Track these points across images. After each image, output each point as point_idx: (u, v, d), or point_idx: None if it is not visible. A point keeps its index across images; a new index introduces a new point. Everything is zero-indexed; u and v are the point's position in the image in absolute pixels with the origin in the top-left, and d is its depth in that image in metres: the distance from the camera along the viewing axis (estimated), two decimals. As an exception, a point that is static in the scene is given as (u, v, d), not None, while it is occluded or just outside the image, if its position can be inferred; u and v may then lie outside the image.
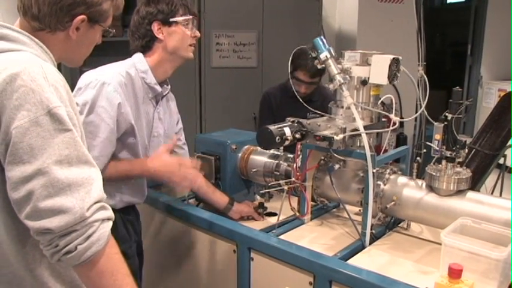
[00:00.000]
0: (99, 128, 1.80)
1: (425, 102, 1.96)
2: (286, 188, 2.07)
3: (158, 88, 2.00)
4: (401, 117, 1.94)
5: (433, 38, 7.76)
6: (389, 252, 1.85)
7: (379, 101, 1.99)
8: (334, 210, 2.29)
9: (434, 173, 1.79)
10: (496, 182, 3.62)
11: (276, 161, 2.24)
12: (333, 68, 1.88)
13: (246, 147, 2.37)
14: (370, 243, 1.90)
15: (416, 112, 2.14)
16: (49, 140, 1.14)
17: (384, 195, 1.89)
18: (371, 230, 1.89)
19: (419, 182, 1.88)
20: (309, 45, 1.92)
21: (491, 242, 1.58)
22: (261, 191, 2.28)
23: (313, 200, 2.12)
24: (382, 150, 2.03)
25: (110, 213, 1.24)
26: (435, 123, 1.80)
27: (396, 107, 1.92)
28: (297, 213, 2.12)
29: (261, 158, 2.30)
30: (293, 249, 1.80)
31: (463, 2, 7.92)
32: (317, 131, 1.91)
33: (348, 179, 2.00)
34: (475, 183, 3.49)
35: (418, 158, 1.98)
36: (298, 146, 2.03)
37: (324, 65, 1.90)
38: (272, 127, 1.89)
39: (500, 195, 3.45)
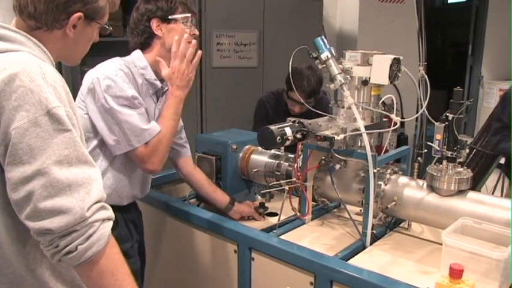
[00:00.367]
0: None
1: (426, 102, 1.95)
2: (287, 188, 2.07)
3: (158, 83, 2.00)
4: (402, 117, 1.94)
5: (433, 38, 7.76)
6: (390, 252, 1.85)
7: (380, 101, 1.99)
8: (335, 210, 2.29)
9: (435, 173, 1.79)
10: (497, 183, 3.63)
11: (277, 161, 2.24)
12: (334, 68, 1.88)
13: (247, 147, 2.37)
14: (371, 243, 1.90)
15: (417, 112, 2.14)
16: (48, 140, 1.13)
17: (385, 195, 1.89)
18: (372, 230, 1.89)
19: (420, 182, 1.88)
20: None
21: (492, 242, 1.58)
22: (262, 191, 2.28)
23: (314, 200, 2.12)
24: (383, 150, 2.02)
25: (110, 213, 1.23)
26: (436, 123, 1.80)
27: (397, 107, 1.92)
28: (298, 213, 2.12)
29: (261, 158, 2.30)
30: (294, 249, 1.80)
31: (464, 2, 7.91)
32: (318, 131, 1.91)
33: (348, 179, 2.00)
34: (475, 184, 3.50)
35: (419, 158, 1.98)
36: (299, 146, 2.03)
37: (324, 66, 1.90)
38: (273, 127, 1.89)
39: (502, 195, 3.45)
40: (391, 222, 2.03)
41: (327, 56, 1.88)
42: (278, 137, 1.87)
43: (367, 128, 1.86)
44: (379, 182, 1.90)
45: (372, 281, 1.56)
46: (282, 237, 1.96)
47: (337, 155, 1.90)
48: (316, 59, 1.91)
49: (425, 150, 2.08)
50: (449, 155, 1.78)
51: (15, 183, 1.13)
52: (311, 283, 1.72)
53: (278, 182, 2.19)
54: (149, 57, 1.97)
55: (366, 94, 1.96)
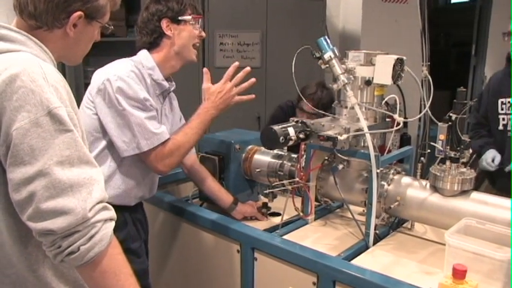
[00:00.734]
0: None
1: (429, 103, 1.95)
2: (290, 188, 2.07)
3: (166, 84, 2.01)
4: (405, 118, 1.93)
5: (437, 38, 7.74)
6: (393, 252, 1.85)
7: (383, 101, 1.99)
8: (338, 210, 2.28)
9: (438, 174, 1.78)
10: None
11: (280, 161, 2.24)
12: (337, 68, 1.88)
13: (250, 147, 2.37)
14: (374, 243, 1.90)
15: (420, 112, 2.13)
16: (50, 141, 1.13)
17: (388, 196, 1.89)
18: (375, 230, 1.89)
19: (423, 182, 1.87)
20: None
21: (496, 242, 1.58)
22: (265, 191, 2.28)
23: (316, 200, 2.12)
24: (386, 151, 2.02)
25: (112, 213, 1.23)
26: (439, 124, 1.80)
27: (400, 107, 1.92)
28: (301, 213, 2.12)
29: (264, 158, 2.30)
30: (297, 250, 1.80)
31: (468, 2, 7.89)
32: (321, 131, 1.91)
33: (351, 179, 2.00)
34: (479, 184, 3.49)
35: (422, 158, 1.98)
36: (302, 146, 2.03)
37: (327, 66, 1.90)
38: (276, 127, 1.89)
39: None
40: (394, 223, 2.03)
41: (330, 56, 1.88)
42: (281, 137, 1.87)
43: (370, 128, 1.86)
44: (382, 182, 1.90)
45: (374, 281, 1.56)
46: (284, 237, 1.96)
47: (340, 155, 1.90)
48: (319, 59, 1.91)
49: (429, 151, 2.08)
50: (452, 155, 1.77)
51: (17, 184, 1.13)
52: (314, 283, 1.72)
53: (281, 182, 2.19)
54: (157, 57, 1.98)
55: (369, 94, 1.95)
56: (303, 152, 2.04)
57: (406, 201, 1.85)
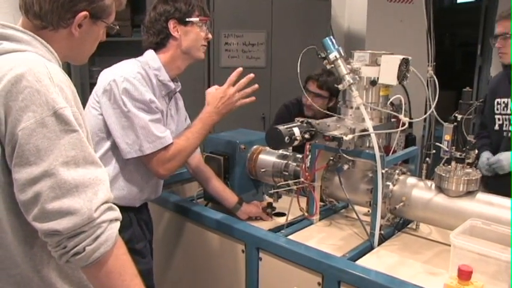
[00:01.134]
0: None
1: (434, 103, 1.95)
2: (295, 188, 2.07)
3: (172, 85, 2.01)
4: (410, 118, 1.93)
5: (442, 38, 7.71)
6: (398, 253, 1.85)
7: (389, 102, 1.98)
8: (343, 210, 2.28)
9: (443, 174, 1.78)
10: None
11: (285, 161, 2.24)
12: (342, 68, 1.88)
13: (255, 147, 2.37)
14: (379, 244, 1.90)
15: (425, 113, 2.13)
16: (55, 141, 1.13)
17: (393, 196, 1.89)
18: (380, 230, 1.89)
19: (429, 182, 1.87)
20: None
21: (501, 243, 1.57)
22: (270, 191, 2.28)
23: (321, 200, 2.12)
24: (391, 151, 2.02)
25: (117, 213, 1.23)
26: (445, 124, 1.79)
27: (405, 108, 1.91)
28: (306, 214, 2.12)
29: (269, 158, 2.30)
30: (301, 250, 1.80)
31: (473, 2, 7.87)
32: (326, 131, 1.91)
33: (356, 180, 2.00)
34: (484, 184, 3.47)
35: (427, 159, 1.97)
36: (307, 146, 2.03)
37: (333, 66, 1.89)
38: (281, 127, 1.89)
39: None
40: (399, 223, 2.03)
41: (336, 56, 1.88)
42: (286, 137, 1.87)
43: (375, 128, 1.86)
44: (387, 183, 1.89)
45: (379, 282, 1.56)
46: (289, 237, 1.96)
47: (345, 156, 1.89)
48: (325, 59, 1.91)
49: (434, 151, 2.07)
50: (458, 156, 1.77)
51: (23, 184, 1.13)
52: (319, 283, 1.72)
53: (286, 182, 2.19)
54: (163, 58, 1.98)
55: (375, 94, 1.95)
56: (308, 152, 2.04)
57: (411, 202, 1.85)
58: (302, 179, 2.07)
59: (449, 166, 1.80)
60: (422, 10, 2.27)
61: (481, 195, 1.77)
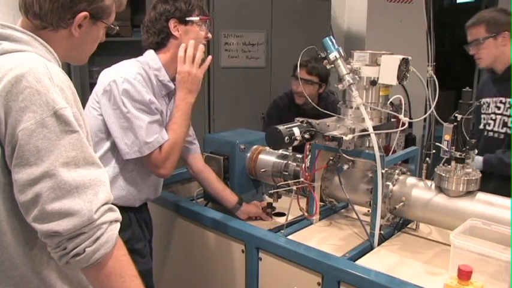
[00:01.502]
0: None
1: (434, 103, 1.95)
2: (294, 188, 2.07)
3: (172, 85, 2.01)
4: (410, 118, 1.93)
5: (442, 38, 7.71)
6: (398, 253, 1.85)
7: (388, 102, 1.99)
8: (343, 210, 2.28)
9: (443, 174, 1.78)
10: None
11: (285, 161, 2.24)
12: (342, 69, 1.88)
13: (255, 147, 2.37)
14: (379, 244, 1.90)
15: (425, 113, 2.13)
16: (55, 142, 1.13)
17: (393, 196, 1.89)
18: (380, 230, 1.89)
19: (429, 182, 1.87)
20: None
21: (501, 243, 1.57)
22: (270, 191, 2.28)
23: (321, 200, 2.12)
24: (391, 151, 2.02)
25: (117, 214, 1.23)
26: (445, 124, 1.79)
27: (405, 108, 1.91)
28: (306, 214, 2.12)
29: (269, 158, 2.30)
30: (301, 250, 1.80)
31: (473, 1, 7.87)
32: (326, 131, 1.91)
33: (356, 180, 2.00)
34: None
35: (427, 159, 1.97)
36: (307, 146, 2.03)
37: (333, 66, 1.89)
38: (281, 127, 1.89)
39: None
40: (399, 223, 2.03)
41: (336, 56, 1.88)
42: (286, 137, 1.87)
43: (375, 128, 1.86)
44: (387, 183, 1.89)
45: (379, 282, 1.56)
46: (289, 237, 1.96)
47: (345, 156, 1.89)
48: (325, 59, 1.91)
49: (434, 151, 2.07)
50: (457, 156, 1.77)
51: (23, 185, 1.12)
52: (318, 283, 1.72)
53: (286, 182, 2.19)
54: (163, 58, 1.98)
55: (374, 94, 1.95)
56: (308, 152, 2.04)
57: (411, 202, 1.85)
58: (302, 179, 2.07)
59: (449, 166, 1.80)
60: (422, 10, 2.27)
61: (481, 195, 1.77)
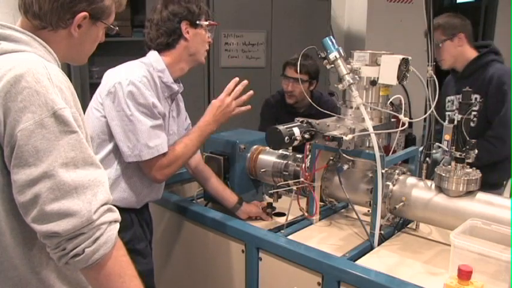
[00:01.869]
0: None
1: (434, 103, 1.95)
2: (294, 188, 2.07)
3: (175, 87, 2.01)
4: (410, 118, 1.93)
5: (442, 38, 7.70)
6: (398, 253, 1.85)
7: (388, 102, 1.99)
8: (343, 210, 2.28)
9: (443, 174, 1.78)
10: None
11: (285, 161, 2.24)
12: (342, 69, 1.88)
13: (255, 147, 2.37)
14: (379, 244, 1.90)
15: (425, 112, 2.13)
16: (54, 142, 1.12)
17: (393, 196, 1.89)
18: (380, 230, 1.89)
19: (429, 182, 1.87)
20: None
21: (501, 243, 1.57)
22: (270, 191, 2.28)
23: (321, 200, 2.12)
24: (391, 151, 2.02)
25: (116, 215, 1.22)
26: (445, 124, 1.79)
27: (405, 108, 1.91)
28: (306, 214, 2.12)
29: (269, 158, 2.30)
30: (301, 250, 1.80)
31: (473, 1, 7.87)
32: (326, 131, 1.91)
33: (356, 180, 2.00)
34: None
35: (427, 159, 1.97)
36: (307, 146, 2.03)
37: (333, 66, 1.89)
38: (281, 127, 1.89)
39: None
40: (399, 223, 2.03)
41: (336, 56, 1.88)
42: (286, 137, 1.87)
43: (375, 128, 1.86)
44: (387, 183, 1.89)
45: (379, 282, 1.56)
46: (289, 237, 1.96)
47: (345, 155, 1.89)
48: (325, 59, 1.91)
49: (434, 151, 2.08)
50: (457, 156, 1.77)
51: (22, 186, 1.12)
52: (318, 283, 1.72)
53: (286, 182, 2.19)
54: (167, 60, 1.97)
55: (374, 94, 1.95)
56: (308, 152, 2.04)
57: (411, 202, 1.85)
58: (302, 179, 2.07)
59: (449, 166, 1.80)
60: (422, 10, 2.26)
61: (481, 195, 1.77)
